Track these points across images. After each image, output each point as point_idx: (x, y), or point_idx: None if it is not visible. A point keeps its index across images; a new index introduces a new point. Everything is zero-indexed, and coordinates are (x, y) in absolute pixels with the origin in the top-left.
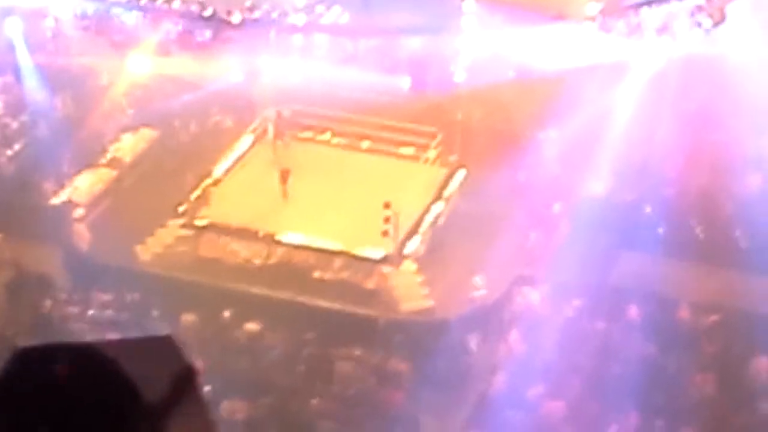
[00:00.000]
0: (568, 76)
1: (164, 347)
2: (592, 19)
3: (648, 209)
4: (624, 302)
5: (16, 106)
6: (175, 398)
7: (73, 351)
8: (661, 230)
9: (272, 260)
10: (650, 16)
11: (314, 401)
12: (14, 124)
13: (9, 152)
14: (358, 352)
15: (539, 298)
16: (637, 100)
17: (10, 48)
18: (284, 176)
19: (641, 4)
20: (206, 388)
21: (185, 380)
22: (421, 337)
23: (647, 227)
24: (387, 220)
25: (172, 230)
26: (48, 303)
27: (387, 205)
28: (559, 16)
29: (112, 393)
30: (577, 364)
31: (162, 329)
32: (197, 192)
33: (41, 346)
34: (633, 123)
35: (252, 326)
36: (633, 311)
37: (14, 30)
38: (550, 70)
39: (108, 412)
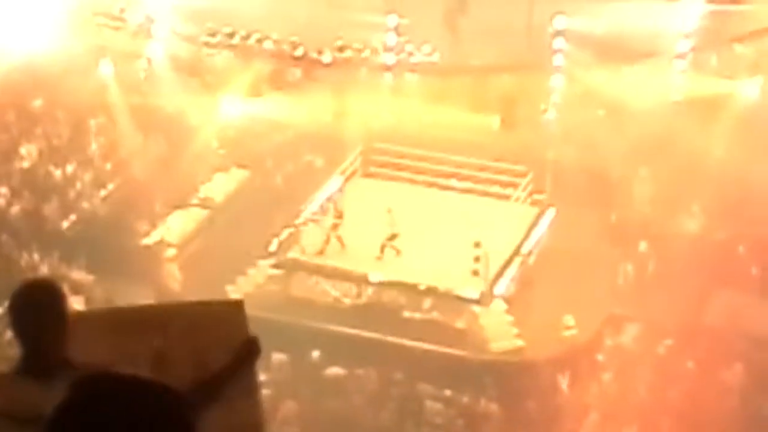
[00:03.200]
0: (660, 113)
1: (233, 315)
2: (683, 56)
3: (741, 248)
4: (717, 342)
5: (110, 148)
6: (232, 372)
7: (138, 384)
8: (754, 270)
9: (362, 300)
10: (742, 53)
11: None
12: (107, 165)
13: (102, 193)
14: (447, 392)
15: (631, 337)
16: (730, 138)
17: (104, 89)
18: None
19: (733, 41)
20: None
21: (246, 355)
22: (511, 378)
23: (740, 267)
24: (477, 259)
25: (262, 270)
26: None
27: (477, 245)
28: (650, 54)
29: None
30: (670, 404)
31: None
32: (288, 231)
33: (104, 374)
34: (726, 161)
35: (341, 366)
36: (726, 351)
37: (108, 71)
38: (642, 107)
39: None
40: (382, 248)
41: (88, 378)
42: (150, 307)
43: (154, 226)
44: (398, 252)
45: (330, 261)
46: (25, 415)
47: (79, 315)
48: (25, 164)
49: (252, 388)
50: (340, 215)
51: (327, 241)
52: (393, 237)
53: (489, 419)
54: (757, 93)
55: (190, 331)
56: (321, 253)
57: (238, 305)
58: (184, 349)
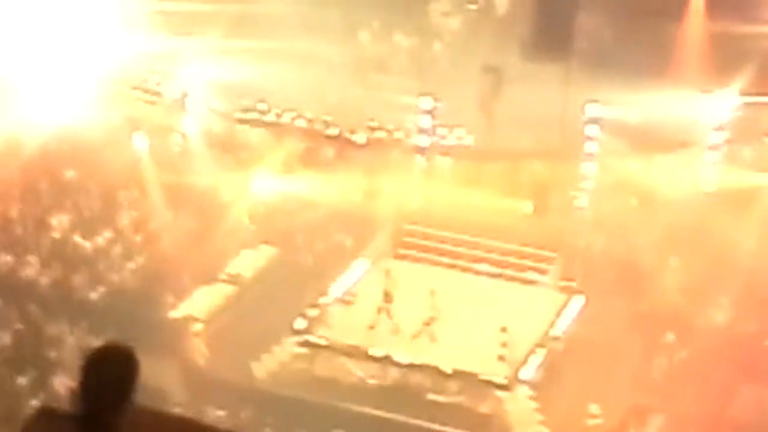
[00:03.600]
0: (692, 204)
1: None
2: (716, 147)
3: None
4: None
5: (140, 221)
6: None
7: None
8: None
9: (387, 381)
10: None
11: None
12: (137, 238)
13: (131, 265)
14: None
15: (656, 428)
16: (761, 231)
17: (137, 162)
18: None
19: (766, 133)
20: None
21: None
22: None
23: None
24: (504, 344)
25: (288, 348)
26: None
27: (504, 329)
28: (683, 144)
29: None
30: None
31: None
32: (315, 311)
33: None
34: (756, 254)
35: None
36: None
37: (141, 145)
38: (674, 197)
39: None
40: (421, 330)
41: None
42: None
43: (181, 300)
44: (433, 338)
45: (356, 341)
46: None
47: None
48: (56, 234)
49: None
50: (389, 298)
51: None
52: (432, 320)
53: None
54: None
55: None
56: (371, 328)
57: None
58: None
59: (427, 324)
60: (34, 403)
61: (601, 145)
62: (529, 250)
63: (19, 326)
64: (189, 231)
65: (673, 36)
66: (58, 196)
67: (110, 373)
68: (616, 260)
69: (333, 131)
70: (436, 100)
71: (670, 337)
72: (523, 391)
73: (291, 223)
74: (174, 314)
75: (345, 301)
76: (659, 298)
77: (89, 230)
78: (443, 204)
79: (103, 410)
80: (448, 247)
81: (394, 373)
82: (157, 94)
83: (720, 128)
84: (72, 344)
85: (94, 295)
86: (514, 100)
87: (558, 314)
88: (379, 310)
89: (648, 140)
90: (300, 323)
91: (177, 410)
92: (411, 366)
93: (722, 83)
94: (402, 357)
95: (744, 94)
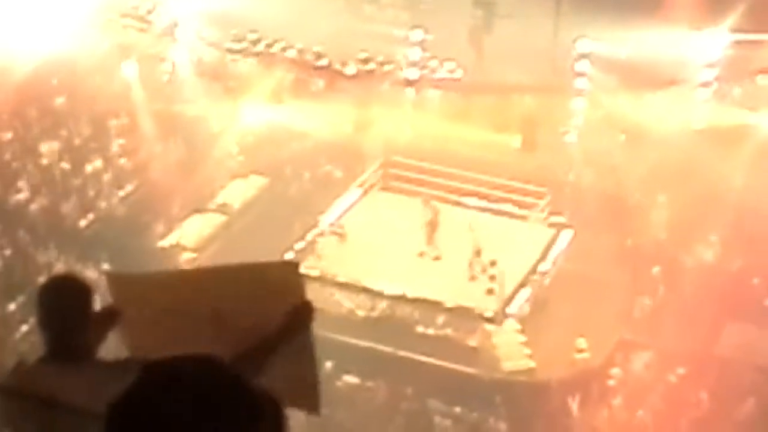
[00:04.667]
0: (681, 141)
1: (289, 276)
2: (707, 85)
3: (756, 280)
4: (728, 373)
5: (130, 148)
6: (289, 332)
7: (194, 363)
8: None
9: (375, 313)
10: (765, 85)
11: None
12: (127, 166)
13: (121, 193)
14: (457, 409)
15: (642, 363)
16: (749, 169)
17: (127, 90)
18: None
19: (757, 73)
20: None
21: (301, 316)
22: (521, 398)
23: (754, 298)
24: (492, 278)
25: None
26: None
27: (493, 263)
28: (673, 81)
29: (238, 405)
30: None
31: None
32: (304, 241)
33: (163, 360)
34: (744, 192)
35: (352, 377)
36: (737, 382)
37: (131, 73)
38: (663, 134)
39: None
40: (410, 263)
41: (152, 365)
42: (205, 269)
43: (171, 229)
44: (422, 271)
45: (346, 273)
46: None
47: (135, 277)
48: (45, 161)
49: (308, 345)
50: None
51: None
52: (422, 254)
53: None
54: None
55: (247, 292)
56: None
57: (293, 266)
58: (241, 310)
59: (420, 256)
60: (24, 328)
61: (591, 80)
62: (517, 184)
63: (8, 252)
64: (178, 160)
65: None
66: (47, 124)
67: (61, 302)
68: (605, 195)
69: (323, 62)
70: (426, 32)
71: (658, 272)
72: (510, 325)
73: (280, 154)
74: (163, 243)
75: (334, 233)
76: (647, 234)
77: (79, 157)
78: (432, 137)
79: (64, 337)
80: (437, 180)
81: (382, 305)
82: (148, 22)
83: (710, 66)
84: (62, 270)
85: (83, 223)
86: (505, 35)
87: (546, 249)
88: (368, 242)
89: (638, 77)
90: (289, 254)
91: None
92: (400, 298)
93: (713, 21)
94: (391, 289)
95: (735, 31)
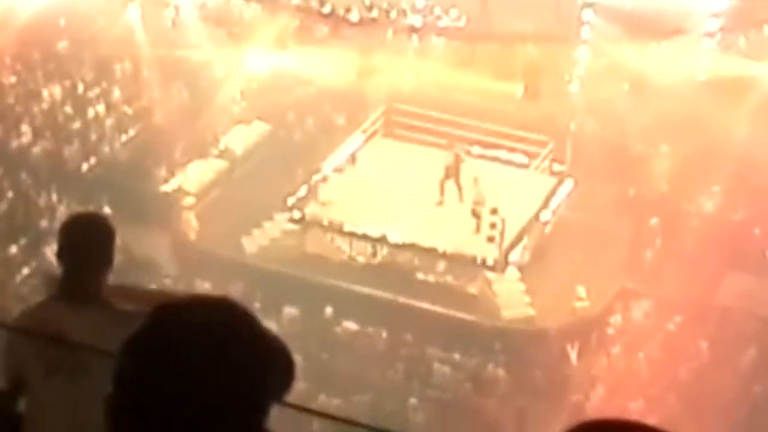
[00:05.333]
0: (685, 91)
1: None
2: (712, 35)
3: (757, 231)
4: (727, 322)
5: (133, 93)
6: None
7: (209, 304)
8: None
9: (376, 260)
10: None
11: (410, 401)
12: (130, 111)
13: (123, 138)
14: (456, 356)
15: (642, 312)
16: (753, 120)
17: (130, 35)
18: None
19: (763, 23)
20: (303, 383)
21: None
22: (520, 345)
23: (755, 249)
24: (493, 225)
25: (278, 224)
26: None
27: (494, 211)
28: (678, 31)
29: (251, 348)
30: (677, 381)
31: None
32: (306, 187)
33: (178, 301)
34: (747, 143)
35: (352, 324)
36: (736, 331)
37: (134, 18)
38: (667, 84)
39: (247, 362)
40: (478, 224)
41: (165, 305)
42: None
43: (173, 173)
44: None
45: (347, 219)
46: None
47: (128, 290)
48: (48, 105)
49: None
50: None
51: None
52: (479, 204)
53: (496, 385)
54: None
55: None
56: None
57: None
58: None
59: (406, 200)
60: (26, 271)
61: (595, 29)
62: (519, 133)
63: (10, 195)
64: (181, 105)
65: None
66: (50, 67)
67: (85, 237)
68: (608, 145)
69: (327, 9)
70: None
71: (659, 222)
72: (511, 273)
73: (283, 100)
74: (165, 188)
75: (336, 179)
76: (649, 183)
77: (81, 101)
78: (435, 85)
79: (82, 274)
80: (439, 128)
81: (383, 252)
82: None
83: (715, 15)
84: (64, 214)
85: (85, 167)
86: None
87: (548, 197)
88: (370, 189)
89: (642, 26)
90: (291, 200)
91: (167, 281)
92: (400, 245)
93: None
94: (392, 236)
95: None
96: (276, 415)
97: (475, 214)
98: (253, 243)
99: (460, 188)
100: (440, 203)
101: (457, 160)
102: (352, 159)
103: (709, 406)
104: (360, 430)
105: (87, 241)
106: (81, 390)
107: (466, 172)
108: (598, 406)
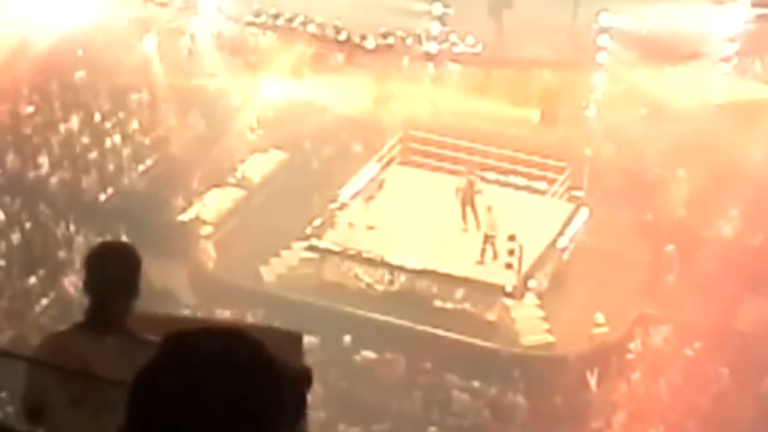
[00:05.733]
0: (701, 115)
1: (291, 344)
2: (728, 59)
3: None
4: (747, 348)
5: (150, 123)
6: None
7: (219, 333)
8: None
9: (394, 287)
10: None
11: (430, 430)
12: (147, 141)
13: (141, 167)
14: (475, 383)
15: (661, 337)
16: None
17: (147, 64)
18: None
19: None
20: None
21: (303, 382)
22: (540, 372)
23: None
24: (511, 252)
25: (296, 252)
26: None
27: (511, 238)
28: (694, 55)
29: (261, 376)
30: (697, 407)
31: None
32: (323, 216)
33: (188, 330)
34: (764, 166)
35: (370, 352)
36: (756, 357)
37: (151, 47)
38: (683, 109)
39: (260, 392)
40: (483, 249)
41: (174, 335)
42: (209, 322)
43: (190, 203)
44: (442, 246)
45: (364, 247)
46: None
47: (148, 316)
48: (65, 135)
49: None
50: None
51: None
52: (490, 238)
53: (516, 412)
54: None
55: None
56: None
57: (297, 338)
58: None
59: (487, 241)
60: (45, 302)
61: (612, 54)
62: (536, 159)
63: (28, 226)
64: (198, 134)
65: None
66: (68, 98)
67: (112, 266)
68: (624, 170)
69: (343, 36)
70: (446, 6)
71: (677, 247)
72: (529, 299)
73: (300, 128)
74: (183, 217)
75: (354, 207)
76: (667, 208)
77: (98, 132)
78: (452, 111)
79: (108, 304)
80: (456, 154)
81: (401, 280)
82: None
83: (731, 40)
84: (82, 245)
85: (103, 197)
86: (525, 8)
87: (565, 223)
88: (387, 216)
89: (659, 50)
90: (308, 228)
91: (186, 312)
92: (418, 272)
93: None
94: (410, 263)
95: (756, 5)
96: None
97: (488, 242)
98: (271, 272)
99: (476, 215)
100: (465, 230)
101: (472, 186)
102: (369, 187)
103: (730, 431)
104: None
105: (114, 271)
106: (105, 422)
107: (482, 199)
108: None
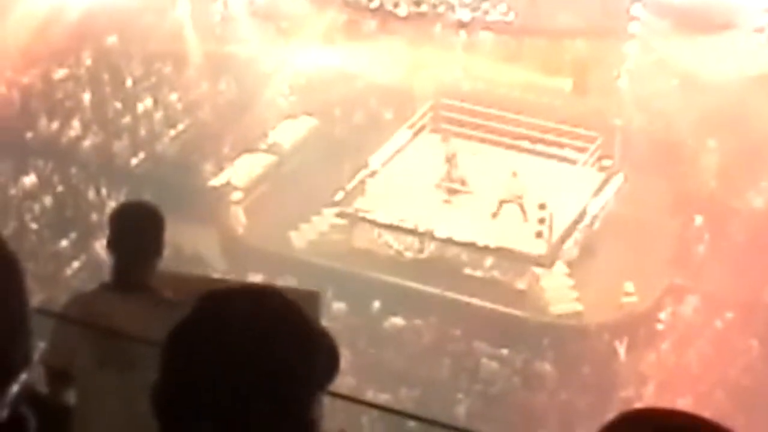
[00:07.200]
0: (734, 86)
1: (308, 302)
2: (762, 30)
3: None
4: None
5: (181, 88)
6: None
7: (254, 293)
8: None
9: (424, 254)
10: None
11: (458, 396)
12: (178, 106)
13: (172, 132)
14: (504, 351)
15: (690, 308)
16: None
17: (179, 30)
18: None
19: None
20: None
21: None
22: (568, 341)
23: None
24: (541, 221)
25: (326, 219)
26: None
27: (542, 206)
28: (728, 26)
29: (295, 338)
30: (726, 377)
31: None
32: (354, 182)
33: (224, 289)
34: None
35: (399, 319)
36: None
37: (183, 13)
38: (716, 79)
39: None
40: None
41: (209, 295)
42: (232, 282)
43: (221, 168)
44: (472, 213)
45: (394, 214)
46: (106, 328)
47: (174, 275)
48: (97, 100)
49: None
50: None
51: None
52: (511, 201)
53: (544, 380)
54: None
55: None
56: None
57: (315, 296)
58: None
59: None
60: (76, 265)
61: (644, 24)
62: (568, 128)
63: (60, 189)
64: (229, 100)
65: None
66: (100, 62)
67: (134, 225)
68: (656, 140)
69: (375, 4)
70: None
71: (708, 218)
72: (559, 268)
73: (331, 95)
74: (213, 182)
75: (384, 174)
76: (698, 179)
77: (130, 96)
78: (483, 80)
79: (131, 263)
80: (487, 123)
81: (431, 247)
82: None
83: (766, 10)
84: (113, 208)
85: (134, 161)
86: None
87: (596, 193)
88: (417, 184)
89: (692, 21)
90: (339, 195)
91: (215, 277)
92: (448, 240)
93: None
94: (439, 231)
95: None
96: (325, 409)
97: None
98: (301, 238)
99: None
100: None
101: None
102: (400, 154)
103: (759, 402)
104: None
105: (136, 230)
106: (134, 382)
107: (512, 166)
108: (646, 402)
